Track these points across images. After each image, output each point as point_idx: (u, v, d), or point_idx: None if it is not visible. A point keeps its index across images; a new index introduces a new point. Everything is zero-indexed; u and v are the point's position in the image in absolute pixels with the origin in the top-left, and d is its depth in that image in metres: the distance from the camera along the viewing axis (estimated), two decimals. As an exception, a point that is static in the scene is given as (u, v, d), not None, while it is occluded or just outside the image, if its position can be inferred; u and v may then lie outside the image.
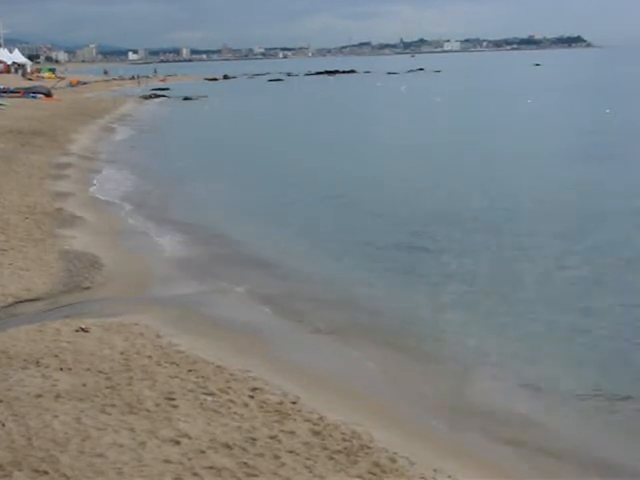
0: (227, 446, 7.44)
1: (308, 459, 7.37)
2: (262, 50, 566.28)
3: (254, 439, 7.67)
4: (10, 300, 12.47)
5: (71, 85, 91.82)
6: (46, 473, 6.55)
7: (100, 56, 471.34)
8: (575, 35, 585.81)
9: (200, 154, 35.67)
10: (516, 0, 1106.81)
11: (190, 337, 11.04)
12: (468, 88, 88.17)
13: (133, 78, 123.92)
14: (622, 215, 19.40)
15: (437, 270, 15.04)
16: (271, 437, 7.77)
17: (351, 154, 33.82)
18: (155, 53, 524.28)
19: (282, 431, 7.96)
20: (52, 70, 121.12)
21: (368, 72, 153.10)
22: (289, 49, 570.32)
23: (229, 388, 9.05)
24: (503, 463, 8.15)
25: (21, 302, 12.51)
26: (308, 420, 8.35)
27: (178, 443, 7.39)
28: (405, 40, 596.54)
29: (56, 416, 7.69)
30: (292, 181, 26.77)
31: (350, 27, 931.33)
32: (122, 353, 9.94)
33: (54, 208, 19.67)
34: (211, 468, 6.95)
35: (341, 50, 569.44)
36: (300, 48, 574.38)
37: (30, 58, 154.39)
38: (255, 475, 6.94)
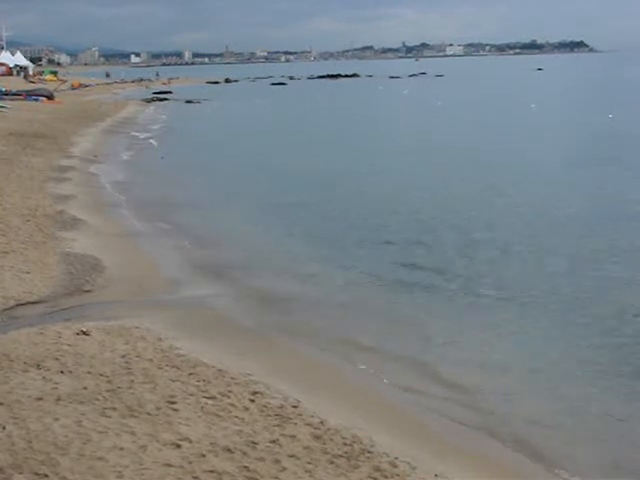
0: (228, 450, 7.42)
1: (309, 463, 7.35)
2: (264, 54, 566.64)
3: (255, 443, 7.65)
4: (11, 303, 12.45)
5: (73, 88, 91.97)
6: (46, 476, 6.52)
7: (102, 59, 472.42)
8: (578, 40, 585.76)
9: (201, 156, 35.73)
10: (519, 4, 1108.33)
11: (191, 340, 11.03)
12: (470, 92, 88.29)
13: (135, 81, 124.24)
14: (623, 220, 19.43)
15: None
16: (272, 441, 7.75)
17: (347, 154, 34.22)
18: (157, 56, 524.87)
19: (283, 435, 7.94)
20: (54, 73, 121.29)
21: (370, 76, 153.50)
22: (291, 53, 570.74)
23: (230, 392, 9.03)
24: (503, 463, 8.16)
25: (22, 305, 12.49)
26: (309, 424, 8.34)
27: (179, 447, 7.37)
28: (408, 44, 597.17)
29: (57, 419, 7.67)
30: (290, 183, 26.85)
31: (352, 31, 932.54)
32: (123, 356, 9.92)
33: (55, 211, 19.67)
34: (212, 472, 6.93)
35: (343, 54, 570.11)
36: (302, 52, 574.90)
37: (32, 61, 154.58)
38: (256, 479, 6.92)
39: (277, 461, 7.31)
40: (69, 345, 10.20)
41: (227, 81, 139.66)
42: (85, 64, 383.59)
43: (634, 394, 9.84)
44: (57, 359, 9.57)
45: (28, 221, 18.04)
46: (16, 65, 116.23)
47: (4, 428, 7.35)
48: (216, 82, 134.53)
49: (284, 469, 7.17)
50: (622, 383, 10.18)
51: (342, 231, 19.03)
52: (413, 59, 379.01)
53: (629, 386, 10.08)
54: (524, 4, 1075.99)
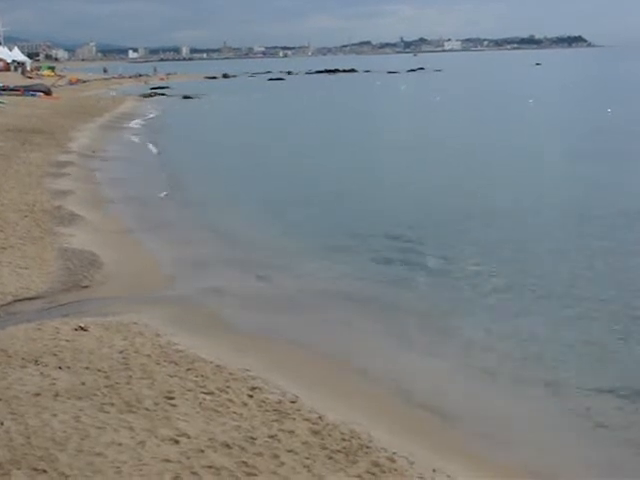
0: (226, 445, 7.42)
1: (307, 458, 7.36)
2: (262, 49, 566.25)
3: (253, 438, 7.65)
4: (9, 298, 12.45)
5: (71, 83, 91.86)
6: (45, 472, 6.52)
7: (100, 54, 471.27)
8: (576, 35, 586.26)
9: (199, 153, 35.74)
10: (517, 1, 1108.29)
11: (189, 336, 11.02)
12: (468, 87, 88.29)
13: (133, 77, 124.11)
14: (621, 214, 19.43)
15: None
16: (270, 436, 7.76)
17: (342, 150, 34.29)
18: (155, 52, 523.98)
19: (281, 430, 7.94)
20: (52, 68, 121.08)
21: (368, 71, 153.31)
22: (289, 48, 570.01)
23: (228, 387, 9.03)
24: (503, 462, 8.15)
25: (20, 300, 12.48)
26: (307, 419, 8.34)
27: (177, 442, 7.36)
28: (405, 39, 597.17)
29: (55, 415, 7.67)
30: (288, 180, 26.84)
31: (350, 26, 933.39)
32: (121, 352, 9.92)
33: (53, 206, 19.64)
34: (210, 467, 6.93)
35: (341, 49, 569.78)
36: (300, 47, 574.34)
37: (30, 56, 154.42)
38: (254, 474, 6.92)
39: (275, 456, 7.31)
40: (67, 341, 10.20)
41: (225, 76, 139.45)
42: (83, 60, 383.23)
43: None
44: (55, 355, 9.57)
45: (26, 217, 18.02)
46: (14, 60, 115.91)
47: (2, 424, 7.35)
48: (214, 77, 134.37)
49: (282, 464, 7.17)
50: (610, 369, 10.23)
51: (340, 229, 19.01)
52: (411, 54, 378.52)
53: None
54: (522, 0, 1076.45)
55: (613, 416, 9.19)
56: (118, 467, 6.73)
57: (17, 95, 58.80)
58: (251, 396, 8.84)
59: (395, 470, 7.36)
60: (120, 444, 7.18)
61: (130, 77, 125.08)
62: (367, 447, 7.80)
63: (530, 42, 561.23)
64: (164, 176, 27.66)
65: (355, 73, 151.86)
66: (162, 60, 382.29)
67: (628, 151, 31.27)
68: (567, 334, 11.70)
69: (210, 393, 8.76)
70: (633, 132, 37.54)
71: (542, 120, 46.79)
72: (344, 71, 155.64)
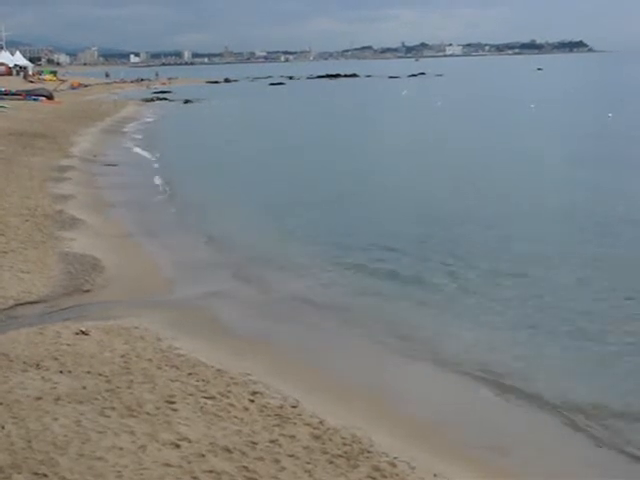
0: (227, 450, 7.41)
1: (308, 463, 7.35)
2: (264, 53, 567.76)
3: (254, 443, 7.65)
4: (10, 302, 12.44)
5: (72, 88, 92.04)
6: (45, 476, 6.51)
7: (102, 59, 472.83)
8: (577, 40, 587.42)
9: (199, 157, 35.70)
10: (518, 5, 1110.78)
11: (190, 340, 11.03)
12: (470, 92, 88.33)
13: (134, 81, 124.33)
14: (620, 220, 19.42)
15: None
16: (271, 441, 7.75)
17: (342, 155, 34.34)
18: (157, 56, 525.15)
19: (282, 435, 7.94)
20: (53, 72, 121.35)
21: (369, 76, 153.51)
22: (291, 53, 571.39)
23: (229, 392, 9.03)
24: (504, 466, 8.14)
25: (21, 304, 12.48)
26: (308, 424, 8.33)
27: (178, 447, 7.36)
28: (407, 44, 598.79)
29: (56, 419, 7.66)
30: (287, 183, 26.87)
31: (352, 31, 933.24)
32: (122, 356, 9.92)
33: (55, 210, 19.65)
34: (211, 472, 6.92)
35: (343, 54, 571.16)
36: (302, 52, 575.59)
37: (32, 61, 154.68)
38: (255, 479, 6.91)
39: (276, 461, 7.31)
40: (68, 345, 10.20)
41: (227, 81, 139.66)
42: (84, 64, 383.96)
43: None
44: (56, 359, 9.57)
45: (27, 221, 18.03)
46: (15, 65, 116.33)
47: (3, 428, 7.34)
48: (216, 82, 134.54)
49: (283, 469, 7.17)
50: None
51: (340, 234, 18.99)
52: (412, 59, 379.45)
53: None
54: (523, 5, 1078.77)
55: (609, 423, 9.19)
56: (119, 471, 6.72)
57: (19, 99, 58.95)
58: (252, 401, 8.84)
59: (396, 475, 7.36)
60: (121, 448, 7.17)
61: (132, 81, 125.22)
62: (368, 452, 7.80)
63: (531, 47, 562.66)
64: (164, 180, 27.66)
65: (357, 78, 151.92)
66: (164, 65, 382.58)
67: (628, 156, 31.24)
68: (562, 343, 11.69)
69: (211, 397, 8.76)
70: (633, 137, 37.49)
71: (543, 125, 46.77)
72: (345, 76, 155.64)
